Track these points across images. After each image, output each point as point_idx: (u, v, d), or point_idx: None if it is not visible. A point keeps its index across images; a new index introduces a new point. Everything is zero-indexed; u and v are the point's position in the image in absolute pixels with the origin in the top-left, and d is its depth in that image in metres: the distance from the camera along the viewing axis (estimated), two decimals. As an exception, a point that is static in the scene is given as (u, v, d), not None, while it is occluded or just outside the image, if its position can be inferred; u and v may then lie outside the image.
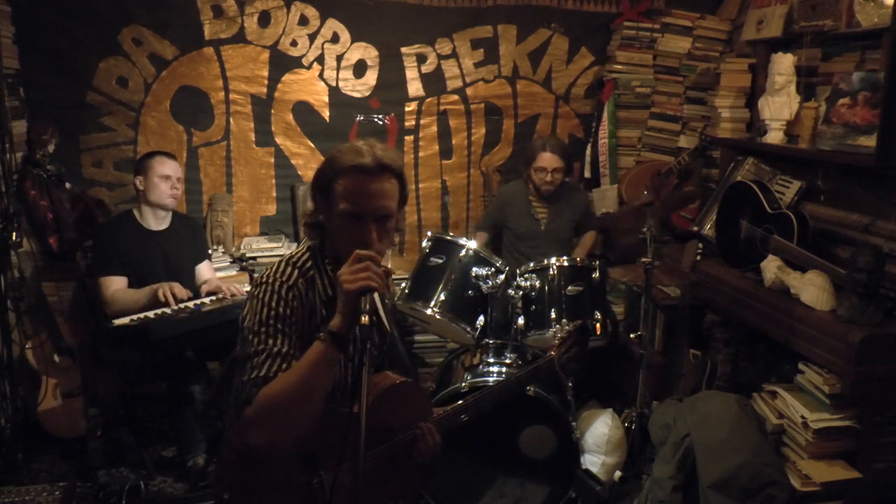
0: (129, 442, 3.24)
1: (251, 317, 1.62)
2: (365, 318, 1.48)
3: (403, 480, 1.83)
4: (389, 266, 3.77)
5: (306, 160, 4.07)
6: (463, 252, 3.01)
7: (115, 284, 3.06)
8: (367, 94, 4.05)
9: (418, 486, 1.90)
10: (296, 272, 1.68)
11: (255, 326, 1.60)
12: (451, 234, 3.52)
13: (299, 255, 1.73)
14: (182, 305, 2.94)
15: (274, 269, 1.68)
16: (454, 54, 4.09)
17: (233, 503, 1.64)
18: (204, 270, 3.35)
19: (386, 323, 1.64)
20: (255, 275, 3.71)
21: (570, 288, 3.00)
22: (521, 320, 2.98)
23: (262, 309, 1.61)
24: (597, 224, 3.88)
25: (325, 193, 1.67)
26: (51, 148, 3.49)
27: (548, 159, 3.61)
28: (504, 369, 2.81)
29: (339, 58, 3.98)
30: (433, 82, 4.11)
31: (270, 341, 1.58)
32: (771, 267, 2.94)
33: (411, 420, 1.81)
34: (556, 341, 2.13)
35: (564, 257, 3.07)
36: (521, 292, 2.99)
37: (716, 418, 2.69)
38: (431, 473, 1.89)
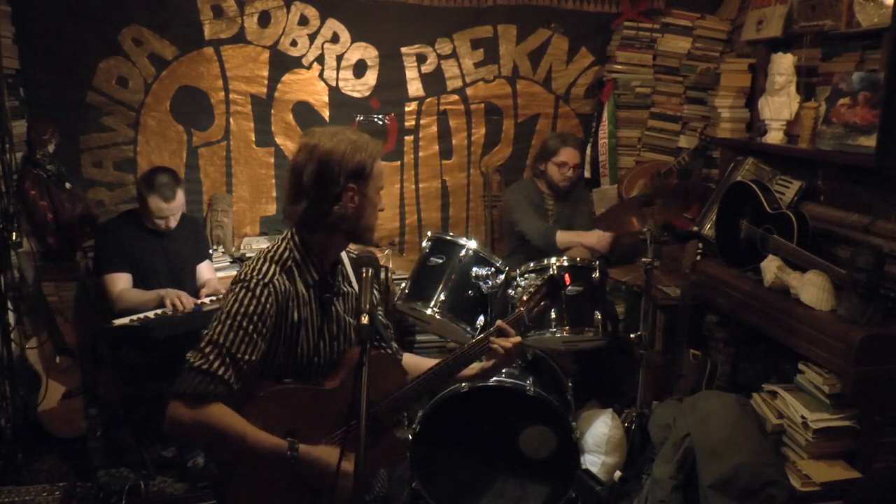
0: (129, 442, 3.24)
1: (223, 308, 1.67)
2: (365, 318, 1.49)
3: (385, 450, 1.88)
4: (390, 265, 3.75)
5: (306, 160, 4.06)
6: (463, 252, 3.01)
7: (122, 282, 3.06)
8: (367, 94, 4.05)
9: (399, 455, 1.95)
10: (273, 267, 1.72)
11: (222, 316, 1.65)
12: (451, 234, 3.52)
13: (276, 249, 1.78)
14: (177, 308, 2.94)
15: (251, 266, 1.73)
16: (454, 54, 4.09)
17: (221, 474, 1.74)
18: (204, 270, 3.36)
19: (364, 300, 1.68)
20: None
21: (569, 288, 2.99)
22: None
23: (233, 304, 1.66)
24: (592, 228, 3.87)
25: (363, 178, 1.76)
26: (51, 148, 3.49)
27: (569, 154, 3.63)
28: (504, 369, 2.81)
29: (339, 58, 3.98)
30: (433, 82, 4.11)
31: (231, 335, 1.63)
32: (771, 267, 2.94)
33: (387, 390, 1.84)
34: (525, 296, 2.11)
35: (564, 257, 3.07)
36: (521, 292, 2.98)
37: (716, 418, 2.69)
38: (407, 445, 1.97)
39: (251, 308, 1.65)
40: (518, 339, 1.95)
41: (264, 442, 1.63)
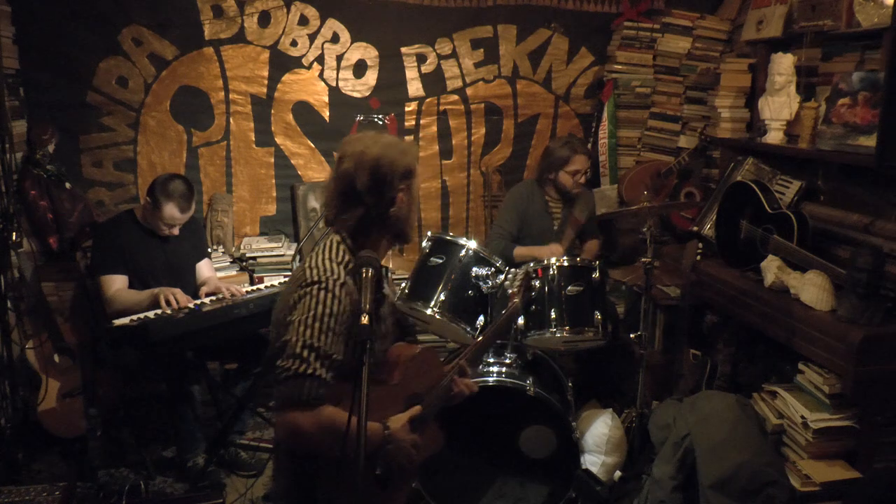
0: (129, 442, 3.25)
1: (305, 311, 1.69)
2: (365, 319, 1.51)
3: (430, 439, 1.98)
4: (390, 265, 3.78)
5: (306, 160, 4.07)
6: (463, 252, 3.01)
7: (117, 283, 3.05)
8: (367, 94, 4.05)
9: (440, 444, 2.06)
10: (340, 269, 1.76)
11: (308, 320, 1.67)
12: (451, 234, 3.52)
13: (333, 252, 1.80)
14: (171, 305, 2.94)
15: (320, 268, 1.75)
16: (454, 54, 4.10)
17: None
18: (204, 269, 3.35)
19: (390, 294, 1.83)
20: (256, 275, 3.71)
21: (570, 288, 2.99)
22: (521, 320, 2.98)
23: (316, 306, 1.69)
24: (598, 231, 3.87)
25: (410, 178, 1.86)
26: (51, 148, 3.49)
27: (581, 161, 3.56)
28: (504, 369, 2.81)
29: (339, 58, 3.98)
30: (433, 82, 4.11)
31: (323, 337, 1.67)
32: (771, 267, 2.94)
33: (431, 382, 1.96)
34: (515, 289, 2.40)
35: (564, 257, 3.07)
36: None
37: (716, 418, 2.69)
38: (445, 438, 2.08)
39: (335, 308, 1.69)
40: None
41: (370, 430, 1.70)
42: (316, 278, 1.72)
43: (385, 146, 1.81)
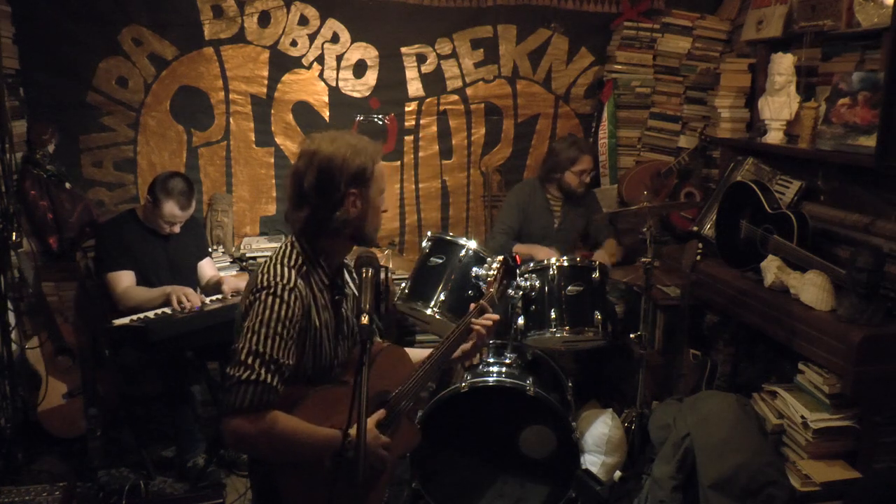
0: (129, 442, 3.24)
1: (253, 318, 1.66)
2: (365, 319, 1.51)
3: (405, 436, 1.97)
4: (390, 265, 3.74)
5: (306, 160, 4.06)
6: (463, 252, 3.01)
7: (125, 280, 3.06)
8: (367, 94, 4.05)
9: (416, 441, 2.05)
10: (292, 272, 1.72)
11: (255, 326, 1.65)
12: (451, 234, 3.52)
13: (287, 254, 1.77)
14: (184, 305, 2.94)
15: (271, 273, 1.71)
16: (454, 54, 4.09)
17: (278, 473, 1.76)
18: (206, 268, 3.36)
19: (364, 300, 1.69)
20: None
21: (570, 288, 2.99)
22: (521, 320, 2.98)
23: (264, 311, 1.66)
24: (611, 231, 3.87)
25: (364, 182, 1.77)
26: (51, 148, 3.49)
27: (588, 160, 3.65)
28: (504, 369, 2.81)
29: (339, 58, 3.98)
30: (433, 82, 4.11)
31: (270, 343, 1.64)
32: (771, 267, 2.95)
33: (400, 379, 1.93)
34: (490, 278, 2.30)
35: (565, 257, 3.07)
36: (521, 292, 2.99)
37: (716, 418, 2.69)
38: (421, 434, 2.07)
39: (283, 313, 1.66)
40: (496, 316, 2.08)
41: (321, 435, 1.69)
42: (265, 284, 1.68)
43: (338, 146, 1.74)
